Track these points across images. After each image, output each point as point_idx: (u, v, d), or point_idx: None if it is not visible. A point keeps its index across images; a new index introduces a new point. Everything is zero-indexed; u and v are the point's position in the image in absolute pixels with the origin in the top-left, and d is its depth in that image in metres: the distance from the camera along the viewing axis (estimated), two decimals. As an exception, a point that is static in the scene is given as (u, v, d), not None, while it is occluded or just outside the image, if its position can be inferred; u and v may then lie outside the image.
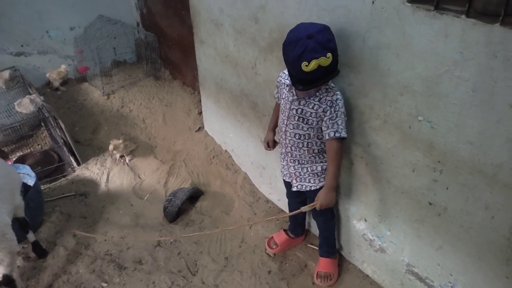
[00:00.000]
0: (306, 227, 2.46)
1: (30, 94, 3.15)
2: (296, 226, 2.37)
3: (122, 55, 4.21)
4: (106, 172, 3.11)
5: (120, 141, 3.09)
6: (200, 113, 3.45)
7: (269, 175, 2.66)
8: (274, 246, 2.36)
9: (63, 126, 2.92)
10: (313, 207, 1.81)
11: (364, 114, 1.68)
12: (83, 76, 3.97)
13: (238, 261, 2.37)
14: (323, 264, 2.18)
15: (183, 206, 2.70)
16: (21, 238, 2.40)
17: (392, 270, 1.97)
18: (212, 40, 2.63)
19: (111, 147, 3.05)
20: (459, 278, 1.63)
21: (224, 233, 2.56)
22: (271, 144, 2.11)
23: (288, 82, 1.75)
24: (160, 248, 2.46)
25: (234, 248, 2.46)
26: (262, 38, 2.13)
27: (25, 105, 2.94)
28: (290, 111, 1.76)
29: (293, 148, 1.85)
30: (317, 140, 1.78)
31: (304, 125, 1.74)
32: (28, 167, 2.68)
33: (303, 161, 1.89)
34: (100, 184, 3.01)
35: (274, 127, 2.09)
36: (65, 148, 3.10)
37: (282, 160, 2.01)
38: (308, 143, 1.79)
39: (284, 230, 2.41)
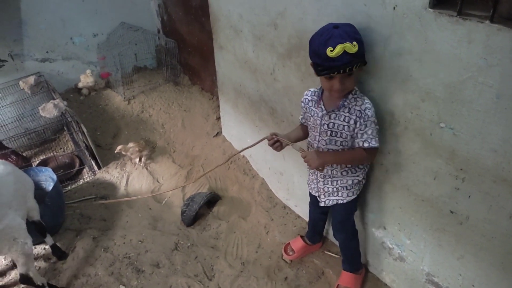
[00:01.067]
0: (324, 234, 2.43)
1: (54, 99, 3.24)
2: (314, 234, 2.33)
3: (143, 61, 4.29)
4: (126, 176, 3.16)
5: (131, 145, 3.14)
6: (218, 118, 3.47)
7: (287, 181, 2.66)
8: (291, 253, 2.34)
9: (85, 130, 2.98)
10: (302, 153, 1.74)
11: (384, 120, 1.66)
12: (104, 81, 4.05)
13: (254, 266, 2.37)
14: (345, 279, 2.10)
15: (200, 211, 2.72)
16: (37, 242, 2.46)
17: (411, 279, 1.93)
18: (231, 46, 2.66)
19: (119, 147, 3.11)
20: (482, 289, 1.59)
21: (241, 238, 2.56)
22: (277, 140, 1.85)
23: (315, 98, 1.73)
24: (178, 252, 2.48)
25: (251, 253, 2.46)
26: (280, 44, 2.13)
27: (49, 110, 3.02)
28: (321, 127, 1.69)
29: (325, 164, 1.74)
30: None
31: (337, 139, 1.67)
32: (50, 170, 2.74)
33: (334, 176, 1.82)
34: (120, 188, 3.06)
35: (290, 135, 1.95)
36: (86, 152, 3.16)
37: (311, 174, 1.96)
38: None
39: (301, 237, 2.38)
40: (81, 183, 3.10)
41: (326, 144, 1.71)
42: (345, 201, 1.86)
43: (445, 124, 1.42)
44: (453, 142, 1.42)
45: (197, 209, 2.65)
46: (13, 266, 2.41)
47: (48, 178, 2.75)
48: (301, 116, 1.89)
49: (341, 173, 1.79)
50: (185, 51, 3.97)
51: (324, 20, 1.75)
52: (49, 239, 2.38)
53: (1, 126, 3.24)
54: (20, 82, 3.36)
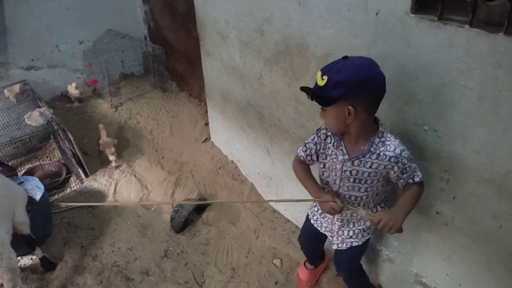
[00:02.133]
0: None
1: (39, 107, 3.20)
2: (315, 260, 2.18)
3: (130, 68, 4.27)
4: (114, 183, 3.14)
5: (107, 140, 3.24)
6: (207, 124, 3.47)
7: (276, 186, 2.67)
8: (304, 283, 2.19)
9: (71, 138, 2.96)
10: (372, 219, 1.42)
11: (370, 124, 1.68)
12: (91, 89, 4.02)
13: (245, 271, 2.37)
14: None
15: (190, 217, 2.72)
16: (25, 253, 2.42)
17: (400, 281, 1.95)
18: (218, 52, 2.67)
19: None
20: (468, 288, 1.61)
21: (231, 244, 2.56)
22: (336, 202, 1.51)
23: (335, 136, 1.49)
24: (167, 259, 2.47)
25: (241, 259, 2.46)
26: (267, 49, 2.15)
27: (35, 118, 2.98)
28: (343, 173, 1.49)
29: (345, 208, 1.55)
30: (376, 197, 1.55)
31: (362, 185, 1.50)
32: (36, 179, 2.71)
33: (353, 220, 1.67)
34: (108, 196, 3.03)
35: (319, 187, 1.64)
36: (73, 160, 3.13)
37: (322, 222, 1.76)
38: (365, 202, 1.56)
39: (304, 264, 2.23)
40: (68, 191, 3.06)
41: (349, 190, 1.53)
42: (360, 242, 1.70)
43: (428, 127, 1.45)
44: (437, 144, 1.45)
45: (187, 216, 2.64)
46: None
47: (34, 188, 2.71)
48: (306, 153, 1.60)
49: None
50: (172, 58, 3.97)
51: (309, 26, 1.77)
52: (38, 251, 2.33)
53: (-14, 136, 3.19)
54: (5, 91, 3.31)
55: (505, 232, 1.37)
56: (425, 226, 1.66)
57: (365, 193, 1.51)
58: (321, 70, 1.30)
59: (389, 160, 1.39)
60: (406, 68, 1.43)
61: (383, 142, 1.40)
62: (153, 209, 2.90)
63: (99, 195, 3.02)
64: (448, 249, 1.61)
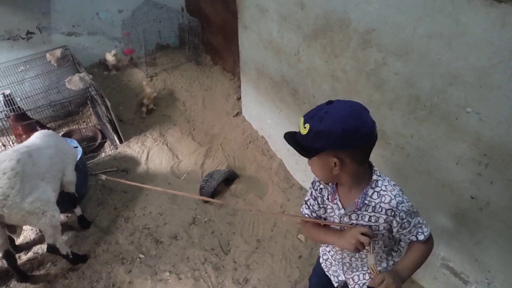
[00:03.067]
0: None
1: (79, 72, 3.30)
2: None
3: (166, 39, 4.32)
4: (146, 151, 3.23)
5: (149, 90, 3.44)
6: (239, 98, 3.49)
7: (305, 163, 2.67)
8: None
9: (109, 104, 3.05)
10: (374, 277, 1.20)
11: (409, 104, 1.66)
12: (128, 58, 4.10)
13: (269, 244, 2.42)
14: None
15: (218, 188, 2.77)
16: (66, 210, 2.55)
17: (425, 264, 1.95)
18: (256, 26, 2.66)
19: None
20: (497, 275, 1.60)
21: (257, 216, 2.61)
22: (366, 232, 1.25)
23: (328, 188, 1.33)
24: (195, 226, 2.55)
25: (266, 232, 2.51)
26: (307, 24, 2.13)
27: (75, 82, 3.08)
28: (343, 228, 1.32)
29: (352, 259, 1.42)
30: (384, 248, 1.36)
31: (377, 245, 1.33)
32: (75, 141, 2.82)
33: (363, 268, 1.46)
34: (141, 162, 3.13)
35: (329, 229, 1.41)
36: (109, 126, 3.23)
37: (329, 257, 1.57)
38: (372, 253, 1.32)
39: None
40: (103, 155, 3.18)
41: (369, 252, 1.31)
42: None
43: (471, 109, 1.42)
44: (479, 127, 1.42)
45: (215, 186, 2.70)
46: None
47: (73, 149, 2.83)
48: (310, 210, 1.39)
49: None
50: (208, 31, 3.98)
51: (353, 1, 1.74)
52: (78, 209, 2.46)
53: (27, 97, 3.33)
54: (47, 55, 3.43)
55: (542, 221, 1.34)
56: (458, 210, 1.64)
57: (369, 246, 1.26)
58: (304, 116, 1.15)
59: (385, 213, 1.21)
60: (453, 47, 1.39)
61: (378, 192, 1.21)
62: (183, 177, 2.98)
63: (132, 161, 3.12)
64: (480, 234, 1.59)
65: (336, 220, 1.31)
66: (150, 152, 3.23)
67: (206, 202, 2.74)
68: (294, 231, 2.48)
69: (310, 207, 1.39)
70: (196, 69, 4.04)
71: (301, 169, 2.76)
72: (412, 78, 1.60)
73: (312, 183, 1.38)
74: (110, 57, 3.84)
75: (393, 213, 1.20)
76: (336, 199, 1.29)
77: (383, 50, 1.68)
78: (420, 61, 1.53)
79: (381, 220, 1.22)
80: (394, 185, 1.23)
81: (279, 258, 2.33)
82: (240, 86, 3.35)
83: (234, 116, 3.46)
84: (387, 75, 1.71)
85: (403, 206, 1.19)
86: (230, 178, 2.89)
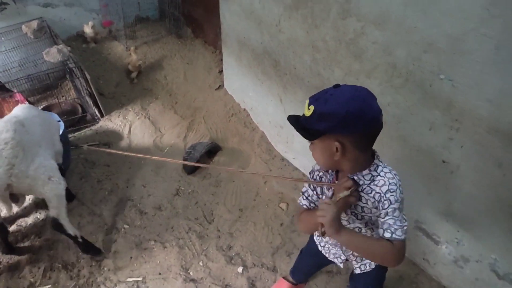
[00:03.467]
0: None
1: (57, 44, 3.23)
2: (302, 277, 2.00)
3: (145, 11, 4.23)
4: (128, 124, 3.21)
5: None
6: (221, 71, 3.49)
7: (286, 134, 2.73)
8: None
9: (88, 77, 3.00)
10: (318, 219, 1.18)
11: (386, 72, 1.70)
12: (106, 30, 4.01)
13: (252, 213, 2.48)
14: None
15: (201, 160, 2.80)
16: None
17: (401, 227, 2.05)
18: (237, -3, 2.64)
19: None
20: (466, 234, 1.70)
21: (240, 187, 2.66)
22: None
23: (327, 175, 1.33)
24: (179, 197, 2.59)
25: (249, 201, 2.57)
26: (288, -6, 2.13)
27: (53, 55, 3.02)
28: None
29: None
30: (367, 227, 1.35)
31: (359, 221, 1.32)
32: (56, 115, 2.79)
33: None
34: (123, 136, 3.12)
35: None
36: (89, 100, 3.20)
37: (330, 248, 1.55)
38: (365, 232, 1.35)
39: (284, 278, 2.04)
40: (85, 130, 3.15)
41: (349, 223, 1.35)
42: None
43: (444, 76, 1.47)
44: (451, 93, 1.48)
45: (198, 158, 2.73)
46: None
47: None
48: (308, 200, 1.39)
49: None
50: (189, 3, 3.92)
51: (333, -31, 1.75)
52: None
53: (3, 71, 3.24)
54: (23, 27, 3.33)
55: (508, 180, 1.43)
56: (430, 174, 1.72)
57: (366, 228, 1.32)
58: (309, 98, 1.13)
59: (373, 195, 1.19)
60: (428, 15, 1.43)
61: (372, 176, 1.19)
62: (166, 150, 3.00)
63: (114, 135, 3.11)
64: (450, 196, 1.68)
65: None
66: (132, 125, 3.22)
67: (189, 173, 2.77)
68: (276, 200, 2.55)
69: (308, 197, 1.38)
70: (177, 42, 3.99)
71: (282, 141, 2.81)
72: (389, 47, 1.64)
73: (310, 173, 1.38)
74: (88, 30, 3.75)
75: (379, 197, 1.17)
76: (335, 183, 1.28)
77: (362, 19, 1.71)
78: (397, 29, 1.57)
79: (369, 204, 1.21)
80: (395, 174, 1.19)
81: (261, 226, 2.40)
82: (222, 59, 3.34)
83: (216, 89, 3.46)
84: (365, 44, 1.75)
85: (391, 196, 1.15)
86: (212, 150, 2.92)
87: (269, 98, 2.76)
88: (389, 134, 1.84)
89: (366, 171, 1.20)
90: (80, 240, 2.09)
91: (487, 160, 1.47)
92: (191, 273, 2.14)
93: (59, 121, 2.64)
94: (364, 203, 1.23)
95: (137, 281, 2.08)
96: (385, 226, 1.16)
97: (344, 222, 1.33)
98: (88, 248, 2.17)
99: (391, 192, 1.15)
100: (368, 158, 1.20)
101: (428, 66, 1.51)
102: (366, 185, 1.20)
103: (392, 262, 1.19)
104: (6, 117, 2.04)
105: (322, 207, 1.18)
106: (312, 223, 1.26)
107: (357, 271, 1.52)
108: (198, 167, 2.79)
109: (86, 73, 3.02)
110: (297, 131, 1.15)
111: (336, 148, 1.12)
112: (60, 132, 2.62)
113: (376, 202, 1.18)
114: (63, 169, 2.39)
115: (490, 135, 1.42)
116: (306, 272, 1.96)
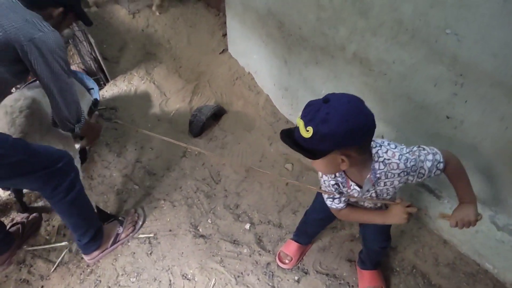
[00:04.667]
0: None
1: (58, 8, 3.19)
2: (309, 237, 2.07)
3: (146, -26, 4.14)
4: (134, 89, 3.23)
5: None
6: (225, 35, 3.46)
7: (291, 97, 2.74)
8: (287, 260, 2.03)
9: (93, 41, 2.99)
10: (450, 222, 1.36)
11: (392, 29, 1.70)
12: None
13: (258, 173, 2.54)
14: (370, 278, 1.90)
15: (207, 123, 2.84)
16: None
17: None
18: (241, -45, 2.59)
19: None
20: (467, 188, 1.75)
21: (245, 149, 2.71)
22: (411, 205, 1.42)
23: (339, 179, 1.38)
24: (186, 159, 2.64)
25: (255, 162, 2.62)
26: (293, -49, 2.09)
27: (56, 18, 2.99)
28: (364, 203, 1.48)
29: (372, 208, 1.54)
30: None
31: (385, 196, 1.41)
32: (93, 81, 2.79)
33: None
34: (129, 100, 3.14)
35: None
36: (94, 64, 3.20)
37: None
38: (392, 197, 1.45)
39: (291, 239, 2.10)
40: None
41: (373, 205, 1.50)
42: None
43: (450, 30, 1.47)
44: (457, 48, 1.48)
45: (204, 120, 2.77)
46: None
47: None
48: (338, 200, 1.46)
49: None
50: (190, -36, 3.83)
51: None
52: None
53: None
54: (23, -10, 3.28)
55: (510, 133, 1.46)
56: (434, 129, 1.75)
57: (393, 194, 1.42)
58: (301, 117, 1.12)
59: (398, 175, 1.29)
60: (435, -33, 1.42)
61: (382, 162, 1.27)
62: (172, 114, 3.03)
63: (120, 100, 3.13)
64: (453, 151, 1.70)
65: (356, 194, 1.39)
66: (138, 90, 3.23)
67: (195, 136, 2.82)
68: (281, 161, 2.60)
69: (335, 199, 1.44)
70: (180, 6, 3.93)
71: (287, 103, 2.83)
72: (395, 2, 1.63)
73: (323, 181, 1.41)
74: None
75: (405, 173, 1.28)
76: (351, 185, 1.37)
77: (368, -26, 1.69)
78: (404, -16, 1.56)
79: (396, 182, 1.32)
80: (394, 148, 1.28)
81: (267, 185, 2.46)
82: (225, 22, 3.31)
83: (220, 53, 3.45)
84: (371, 0, 1.74)
85: (410, 162, 1.25)
86: (218, 113, 2.95)
87: (273, 61, 2.76)
88: (394, 92, 1.86)
89: (376, 164, 1.27)
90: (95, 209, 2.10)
91: (490, 114, 1.49)
92: (200, 230, 2.22)
93: (92, 88, 2.66)
94: (390, 185, 1.33)
95: (148, 237, 2.17)
96: (434, 169, 1.28)
97: (366, 204, 1.47)
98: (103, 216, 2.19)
99: (407, 162, 1.26)
100: (370, 153, 1.28)
101: (435, 20, 1.51)
102: (388, 172, 1.28)
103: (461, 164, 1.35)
104: (32, 84, 2.05)
105: (397, 213, 1.35)
106: (375, 220, 1.45)
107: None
108: (203, 129, 2.82)
109: (90, 36, 3.01)
110: (298, 152, 1.16)
111: (342, 160, 1.18)
112: (97, 97, 2.62)
113: (404, 176, 1.29)
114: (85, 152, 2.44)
115: (494, 89, 1.43)
116: (310, 233, 2.02)
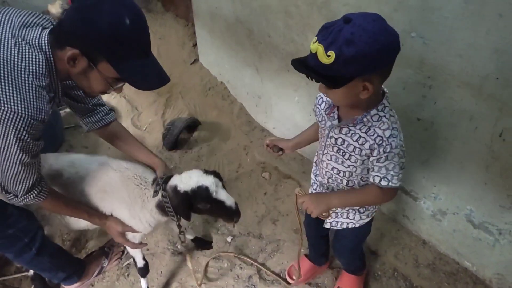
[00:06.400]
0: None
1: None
2: (318, 256, 1.93)
3: (112, -13, 4.07)
4: (104, 104, 3.15)
5: None
6: (195, 45, 3.42)
7: (265, 104, 2.72)
8: (294, 277, 1.91)
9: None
10: (298, 197, 1.32)
11: (358, 34, 1.70)
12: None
13: (235, 184, 2.50)
14: (346, 281, 1.86)
15: (181, 136, 2.78)
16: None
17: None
18: (206, -35, 2.56)
19: None
20: (442, 189, 1.76)
21: (222, 159, 2.67)
22: (272, 147, 1.57)
23: (329, 100, 1.29)
24: (161, 174, 2.58)
25: (232, 173, 2.58)
26: (257, -41, 2.08)
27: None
28: (328, 139, 1.28)
29: (330, 180, 1.40)
30: (361, 181, 1.32)
31: (344, 160, 1.28)
32: None
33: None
34: (99, 116, 3.06)
35: (299, 141, 1.55)
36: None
37: (315, 189, 1.53)
38: (349, 180, 1.33)
39: (306, 256, 1.97)
40: (61, 112, 3.07)
41: (331, 160, 1.33)
42: (357, 225, 1.46)
43: (416, 33, 1.48)
44: (423, 51, 1.49)
45: (178, 133, 2.71)
46: None
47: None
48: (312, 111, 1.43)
49: None
50: (157, -25, 3.79)
51: None
52: None
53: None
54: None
55: (479, 133, 1.47)
56: (406, 132, 1.74)
57: (348, 169, 1.29)
58: (319, 40, 0.98)
59: (374, 139, 1.15)
60: (397, -28, 1.43)
61: (379, 116, 1.15)
62: (145, 128, 2.96)
63: (90, 116, 3.04)
64: (426, 153, 1.72)
65: (326, 132, 1.28)
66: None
67: (170, 150, 2.76)
68: (258, 170, 2.57)
69: (313, 109, 1.38)
70: (148, 17, 3.82)
71: (261, 111, 2.81)
72: (360, 8, 1.63)
73: (316, 100, 1.35)
74: (54, 9, 3.59)
75: (381, 141, 1.14)
76: (334, 112, 1.25)
77: (332, -20, 1.69)
78: (367, -12, 1.56)
79: (366, 146, 1.17)
80: (397, 120, 1.18)
81: (245, 196, 2.42)
82: (195, 32, 3.27)
83: (191, 64, 3.40)
84: (337, 6, 1.74)
85: (393, 140, 1.13)
86: (192, 125, 2.90)
87: (245, 69, 2.74)
88: (365, 96, 1.86)
89: (374, 111, 1.14)
90: None
91: (459, 114, 1.50)
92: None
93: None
94: (359, 144, 1.19)
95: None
96: (382, 172, 1.18)
97: (328, 157, 1.33)
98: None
99: (393, 137, 1.13)
100: (380, 93, 1.17)
101: (400, 24, 1.51)
102: (372, 126, 1.15)
103: (380, 203, 1.33)
104: None
105: (304, 206, 1.28)
106: None
107: (327, 225, 1.52)
108: (177, 142, 2.77)
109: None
110: (316, 80, 1.04)
111: (363, 87, 1.04)
112: None
113: (376, 145, 1.15)
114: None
115: (461, 89, 1.45)
116: (317, 249, 1.88)
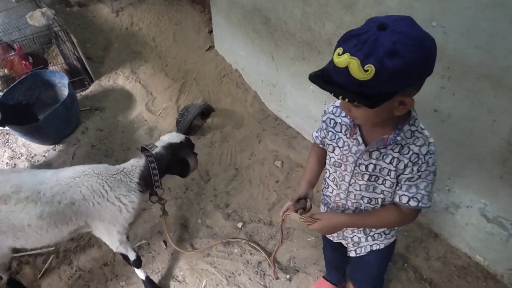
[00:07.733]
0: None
1: (40, 8, 3.13)
2: (339, 275, 1.82)
3: (130, -29, 4.07)
4: (119, 89, 3.18)
5: None
6: (210, 32, 3.42)
7: (279, 93, 2.71)
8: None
9: (75, 40, 2.93)
10: (306, 222, 1.19)
11: (377, 23, 1.68)
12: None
13: (247, 171, 2.52)
14: None
15: (195, 122, 2.80)
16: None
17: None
18: (224, -50, 2.55)
19: None
20: (456, 181, 1.74)
21: (234, 147, 2.68)
22: (297, 208, 1.24)
23: (346, 121, 1.12)
24: (174, 159, 2.60)
25: (244, 160, 2.59)
26: None
27: (37, 18, 2.93)
28: (358, 167, 1.12)
29: (357, 211, 1.23)
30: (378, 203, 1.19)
31: (379, 185, 1.13)
32: (65, 77, 2.78)
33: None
34: (114, 100, 3.09)
35: (311, 179, 1.32)
36: (77, 64, 3.14)
37: (326, 209, 1.37)
38: (381, 206, 1.18)
39: (324, 277, 1.87)
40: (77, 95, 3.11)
41: (361, 190, 1.16)
42: (382, 245, 1.31)
43: (436, 23, 1.46)
44: (443, 41, 1.47)
45: (192, 119, 2.72)
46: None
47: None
48: (317, 134, 1.26)
49: None
50: (174, -40, 3.77)
51: None
52: None
53: (-13, 37, 3.15)
54: (2, -10, 3.21)
55: (497, 126, 1.45)
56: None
57: (381, 195, 1.14)
58: (350, 52, 0.82)
59: (409, 157, 1.01)
60: (420, -40, 1.40)
61: (412, 132, 1.01)
62: (159, 113, 2.98)
63: (105, 100, 3.08)
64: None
65: (351, 159, 1.11)
66: (123, 90, 3.18)
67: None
68: (270, 158, 2.58)
69: (319, 131, 1.24)
70: (164, 3, 3.87)
71: (275, 100, 2.80)
72: (380, -4, 1.61)
73: (322, 121, 1.19)
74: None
75: (416, 159, 1.01)
76: (356, 133, 1.08)
77: (352, -33, 1.67)
78: (389, -24, 1.53)
79: (401, 166, 1.03)
80: (428, 131, 1.04)
81: (257, 183, 2.43)
82: (211, 19, 3.27)
83: (206, 50, 3.40)
84: (355, -5, 1.71)
85: (430, 157, 1.01)
86: (205, 111, 2.91)
87: (260, 57, 2.73)
88: (381, 87, 1.84)
89: (406, 127, 1.00)
90: None
91: (477, 107, 1.48)
92: (190, 231, 2.19)
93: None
94: (394, 166, 1.04)
95: (141, 245, 2.13)
96: (411, 191, 1.05)
97: (357, 187, 1.16)
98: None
99: (430, 153, 1.01)
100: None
101: (420, 13, 1.49)
102: (406, 145, 1.01)
103: (400, 226, 1.20)
104: None
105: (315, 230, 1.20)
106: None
107: (352, 254, 1.37)
108: (190, 128, 2.78)
109: (72, 36, 2.94)
110: (350, 100, 0.88)
111: (400, 103, 0.90)
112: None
113: (411, 162, 1.01)
114: None
115: (480, 82, 1.42)
116: (336, 267, 1.77)
